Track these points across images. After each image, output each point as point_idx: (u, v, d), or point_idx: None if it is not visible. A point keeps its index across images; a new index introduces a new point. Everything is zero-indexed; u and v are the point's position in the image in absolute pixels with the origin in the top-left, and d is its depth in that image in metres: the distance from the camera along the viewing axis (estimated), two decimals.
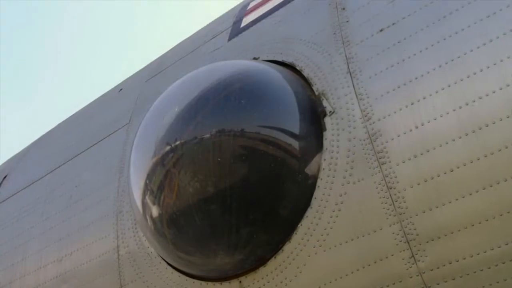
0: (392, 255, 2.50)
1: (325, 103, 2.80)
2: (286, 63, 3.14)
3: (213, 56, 3.79)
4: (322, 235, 2.64)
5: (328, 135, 2.72)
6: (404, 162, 2.49)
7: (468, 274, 2.39)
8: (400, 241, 2.48)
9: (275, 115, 2.81)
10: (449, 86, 2.45)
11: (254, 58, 3.35)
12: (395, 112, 2.56)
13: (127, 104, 4.37)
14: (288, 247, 2.72)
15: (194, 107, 2.89)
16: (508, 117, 2.30)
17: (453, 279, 2.42)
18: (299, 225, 2.70)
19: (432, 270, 2.44)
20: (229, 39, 3.81)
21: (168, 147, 2.82)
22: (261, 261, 2.81)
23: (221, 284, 2.93)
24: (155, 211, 2.90)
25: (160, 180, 2.85)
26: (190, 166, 2.75)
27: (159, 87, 3.65)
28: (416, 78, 2.54)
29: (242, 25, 3.82)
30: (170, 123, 2.92)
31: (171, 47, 4.80)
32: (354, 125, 2.66)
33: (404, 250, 2.48)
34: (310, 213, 2.68)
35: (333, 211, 2.62)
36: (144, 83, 4.46)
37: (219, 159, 2.68)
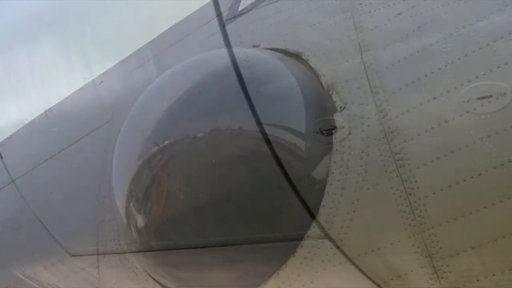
0: (412, 271, 2.51)
1: (335, 97, 2.79)
2: (291, 51, 3.14)
3: (207, 43, 3.78)
4: (331, 248, 2.64)
5: (338, 134, 2.72)
6: (425, 165, 2.49)
7: None
8: (421, 255, 2.48)
9: (278, 111, 2.81)
10: (476, 77, 2.45)
11: (254, 46, 3.35)
12: (415, 108, 2.55)
13: (108, 99, 4.35)
14: (292, 262, 2.72)
15: (185, 102, 2.89)
16: None
17: None
18: (305, 237, 2.70)
19: None
20: (225, 24, 3.80)
21: (155, 148, 2.82)
22: (262, 278, 2.80)
23: None
24: (141, 220, 2.90)
25: (147, 185, 2.85)
26: (180, 169, 2.75)
27: (145, 79, 3.64)
28: (439, 69, 2.54)
29: (240, 8, 3.81)
30: (158, 120, 2.92)
31: (159, 33, 4.78)
32: (368, 123, 2.65)
33: (425, 266, 2.48)
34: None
35: (344, 221, 2.62)
36: (128, 75, 4.45)
37: (213, 161, 2.68)
